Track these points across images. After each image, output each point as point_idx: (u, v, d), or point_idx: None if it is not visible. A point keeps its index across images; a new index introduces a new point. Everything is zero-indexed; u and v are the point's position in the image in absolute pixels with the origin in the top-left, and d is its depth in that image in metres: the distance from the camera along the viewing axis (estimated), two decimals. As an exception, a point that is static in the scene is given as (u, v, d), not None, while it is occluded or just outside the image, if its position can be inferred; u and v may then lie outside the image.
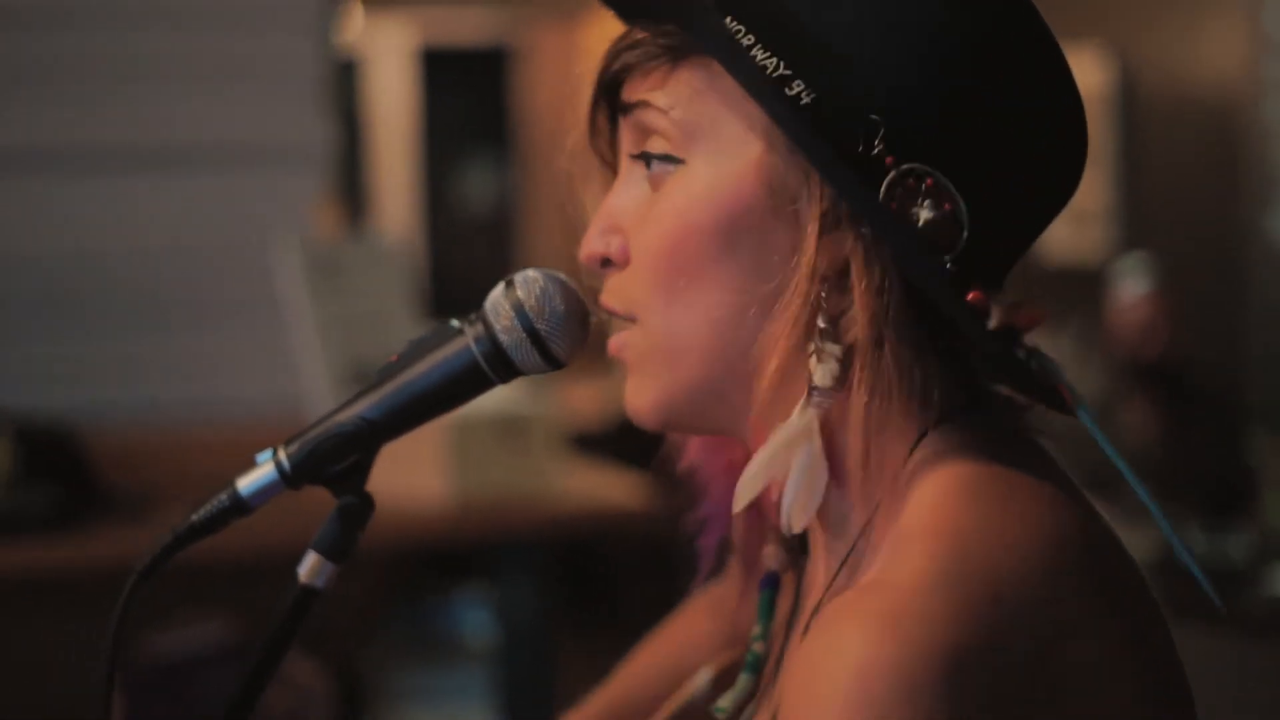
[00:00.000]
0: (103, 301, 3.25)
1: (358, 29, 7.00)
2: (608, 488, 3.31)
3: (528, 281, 1.10)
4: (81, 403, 3.14)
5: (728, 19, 1.00)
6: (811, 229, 0.98)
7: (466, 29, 7.89)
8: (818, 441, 0.99)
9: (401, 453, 3.09)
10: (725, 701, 1.18)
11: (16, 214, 3.21)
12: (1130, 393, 5.43)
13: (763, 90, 0.96)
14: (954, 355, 1.01)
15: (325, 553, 1.12)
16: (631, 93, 1.06)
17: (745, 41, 0.99)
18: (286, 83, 3.34)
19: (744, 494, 1.02)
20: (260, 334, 3.27)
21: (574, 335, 1.09)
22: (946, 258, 0.97)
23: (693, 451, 1.20)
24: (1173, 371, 5.38)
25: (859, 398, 0.97)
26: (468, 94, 8.06)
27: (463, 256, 7.71)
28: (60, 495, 2.83)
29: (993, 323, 0.96)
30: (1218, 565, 4.44)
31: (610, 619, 5.24)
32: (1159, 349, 5.32)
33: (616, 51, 1.07)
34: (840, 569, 1.02)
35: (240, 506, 1.12)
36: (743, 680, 1.18)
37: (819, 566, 1.08)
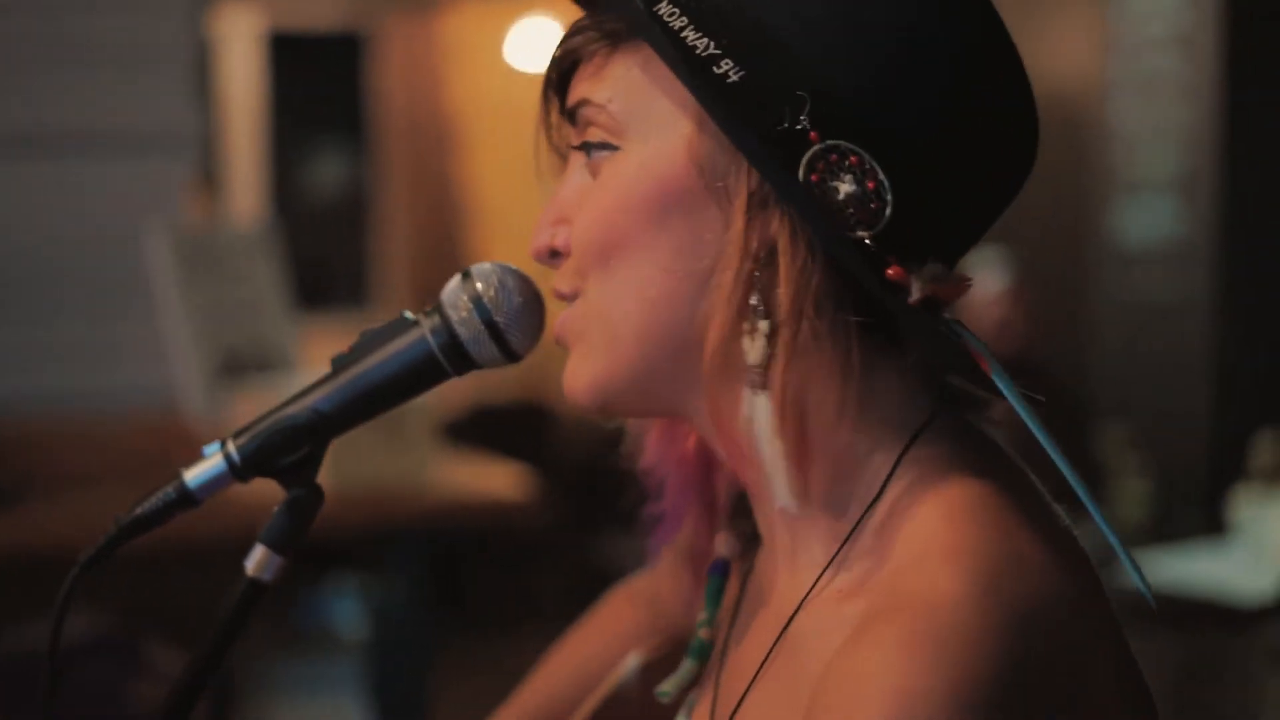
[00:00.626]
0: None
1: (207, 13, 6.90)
2: (481, 478, 3.30)
3: (484, 273, 1.09)
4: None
5: (661, 2, 1.01)
6: (740, 206, 0.99)
7: (317, 15, 7.80)
8: (767, 422, 1.00)
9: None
10: (669, 685, 1.19)
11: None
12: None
13: (686, 67, 0.97)
14: (918, 356, 1.03)
15: (273, 545, 1.12)
16: (574, 90, 1.07)
17: (677, 24, 0.99)
18: (157, 67, 3.28)
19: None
20: (135, 322, 3.21)
21: (531, 328, 1.09)
22: (866, 233, 0.97)
23: (650, 448, 1.20)
24: (1027, 366, 5.49)
25: (776, 371, 0.98)
26: (319, 80, 7.98)
27: (314, 244, 7.62)
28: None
29: (913, 296, 0.97)
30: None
31: (484, 609, 5.23)
32: (1015, 344, 5.41)
33: (563, 42, 1.08)
34: (824, 571, 1.03)
35: (187, 499, 1.11)
36: (687, 665, 1.19)
37: (777, 557, 1.09)
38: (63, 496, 2.80)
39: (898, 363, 1.03)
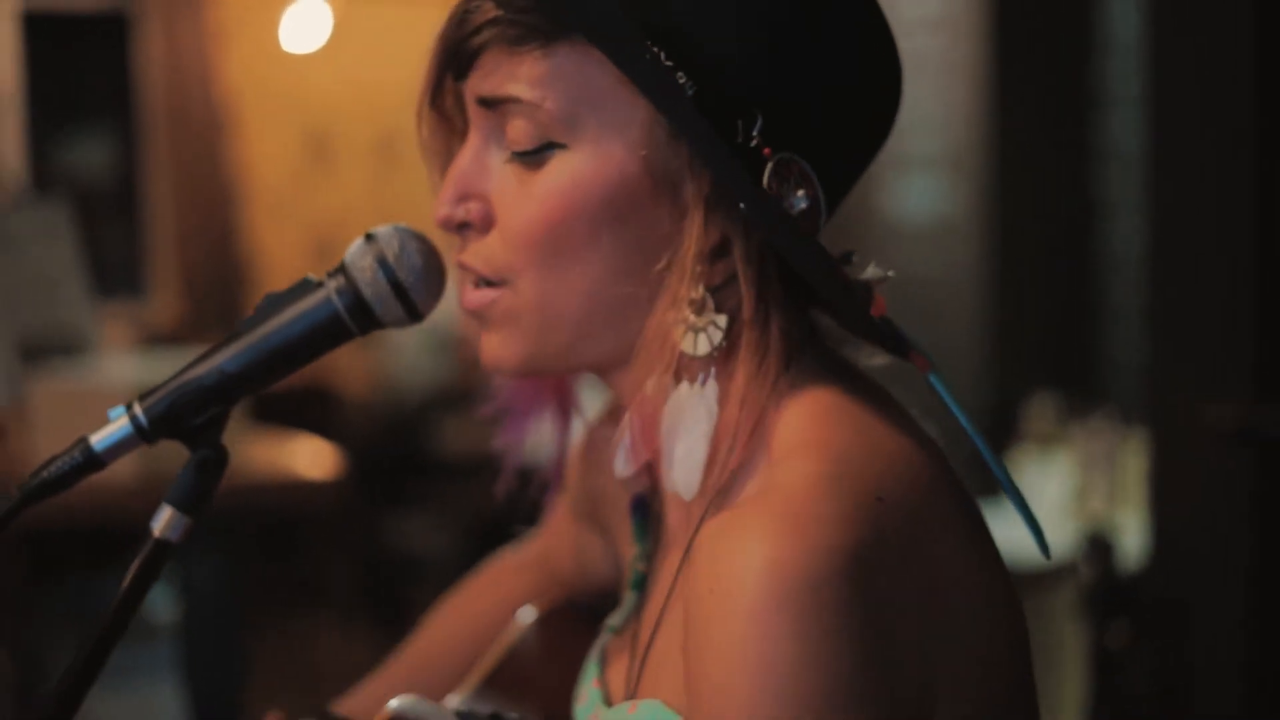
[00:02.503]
0: None
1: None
2: (290, 456, 3.29)
3: (387, 236, 1.12)
4: None
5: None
6: (696, 213, 1.03)
7: (77, -6, 7.62)
8: (716, 413, 1.05)
9: (77, 421, 3.00)
10: (615, 619, 1.24)
11: None
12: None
13: (651, 79, 1.01)
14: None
15: (180, 506, 1.13)
16: (492, 80, 1.08)
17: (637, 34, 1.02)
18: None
19: (629, 462, 1.08)
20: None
21: (434, 288, 1.13)
22: (814, 235, 1.04)
23: (511, 391, 1.25)
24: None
25: (746, 368, 1.04)
26: (80, 62, 7.79)
27: (80, 231, 7.45)
28: None
29: (872, 305, 1.05)
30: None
31: (297, 589, 5.18)
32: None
33: (470, 23, 1.08)
34: (715, 495, 1.07)
35: (94, 462, 1.12)
36: (630, 597, 1.24)
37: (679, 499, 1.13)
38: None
39: (784, 309, 1.08)
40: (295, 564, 5.16)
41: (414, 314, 1.12)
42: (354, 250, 1.12)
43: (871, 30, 1.08)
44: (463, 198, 1.11)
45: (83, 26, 7.69)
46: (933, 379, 1.05)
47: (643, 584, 1.24)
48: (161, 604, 3.22)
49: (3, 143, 7.38)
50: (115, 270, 7.37)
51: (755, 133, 1.02)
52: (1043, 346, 5.25)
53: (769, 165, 1.02)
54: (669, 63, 1.01)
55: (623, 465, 1.08)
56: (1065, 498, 4.33)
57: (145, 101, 7.63)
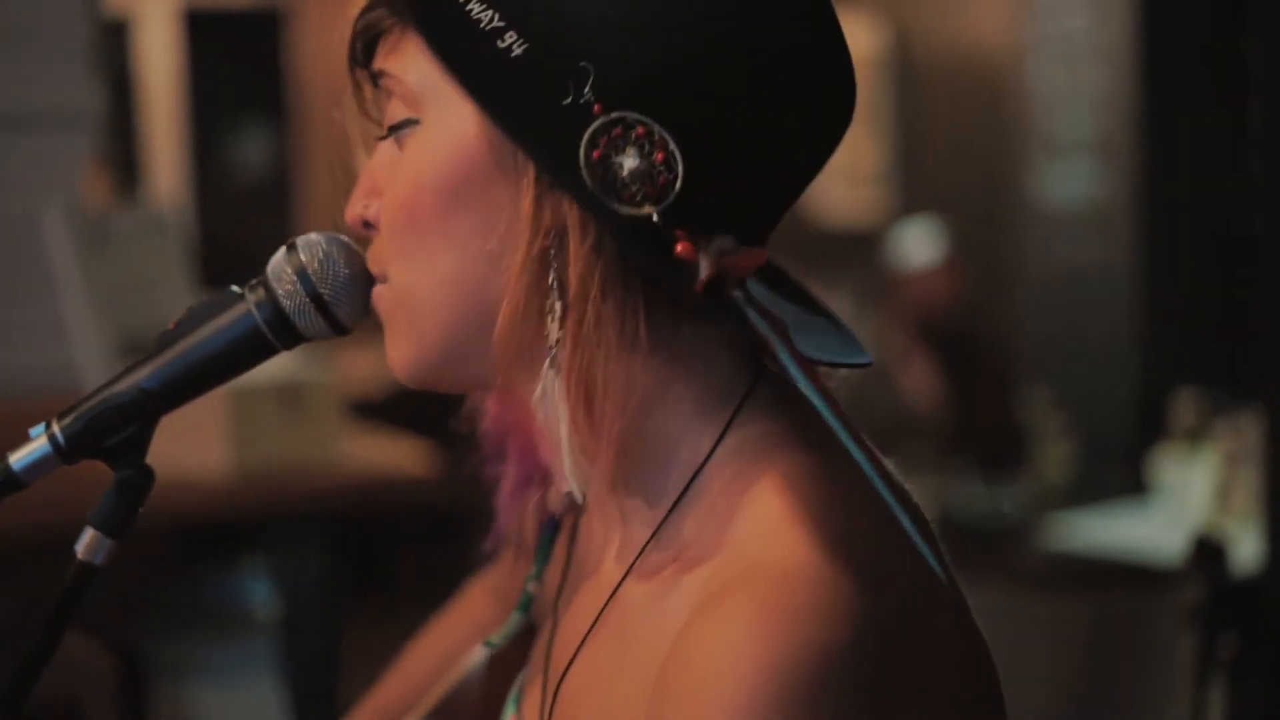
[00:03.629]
0: None
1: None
2: (389, 456, 3.28)
3: (310, 245, 1.08)
4: None
5: None
6: (527, 184, 0.97)
7: (237, -9, 7.74)
8: (561, 403, 0.98)
9: (178, 422, 3.01)
10: (496, 637, 1.20)
11: None
12: (910, 353, 5.54)
13: (446, 51, 0.96)
14: (735, 322, 1.01)
15: (103, 528, 1.09)
16: (376, 59, 1.05)
17: None
18: (52, 45, 3.23)
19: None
20: (37, 304, 3.16)
21: (358, 299, 1.08)
22: (653, 208, 0.95)
23: (489, 411, 1.19)
24: (955, 333, 5.50)
25: (563, 354, 0.97)
26: (238, 57, 7.90)
27: (235, 223, 7.56)
28: None
29: (704, 272, 0.94)
30: (995, 519, 4.55)
31: (394, 588, 5.20)
32: (945, 312, 5.42)
33: (360, 13, 1.05)
34: (650, 540, 1.02)
35: (13, 482, 1.08)
36: (514, 618, 1.20)
37: (597, 525, 1.08)
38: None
39: (716, 333, 1.01)
40: (393, 562, 5.17)
41: (337, 327, 1.08)
42: (275, 260, 1.08)
43: (781, 3, 0.98)
44: (367, 195, 1.06)
45: (240, 23, 7.81)
46: (783, 357, 0.95)
47: (528, 606, 1.19)
48: (260, 601, 3.22)
49: (163, 139, 7.51)
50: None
51: (587, 90, 0.94)
52: (1191, 338, 5.08)
53: (594, 124, 0.94)
54: (500, 23, 0.95)
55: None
56: (1209, 495, 4.17)
57: (300, 97, 7.72)
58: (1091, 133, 5.37)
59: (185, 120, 7.61)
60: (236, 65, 7.90)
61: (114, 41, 6.88)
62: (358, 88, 1.09)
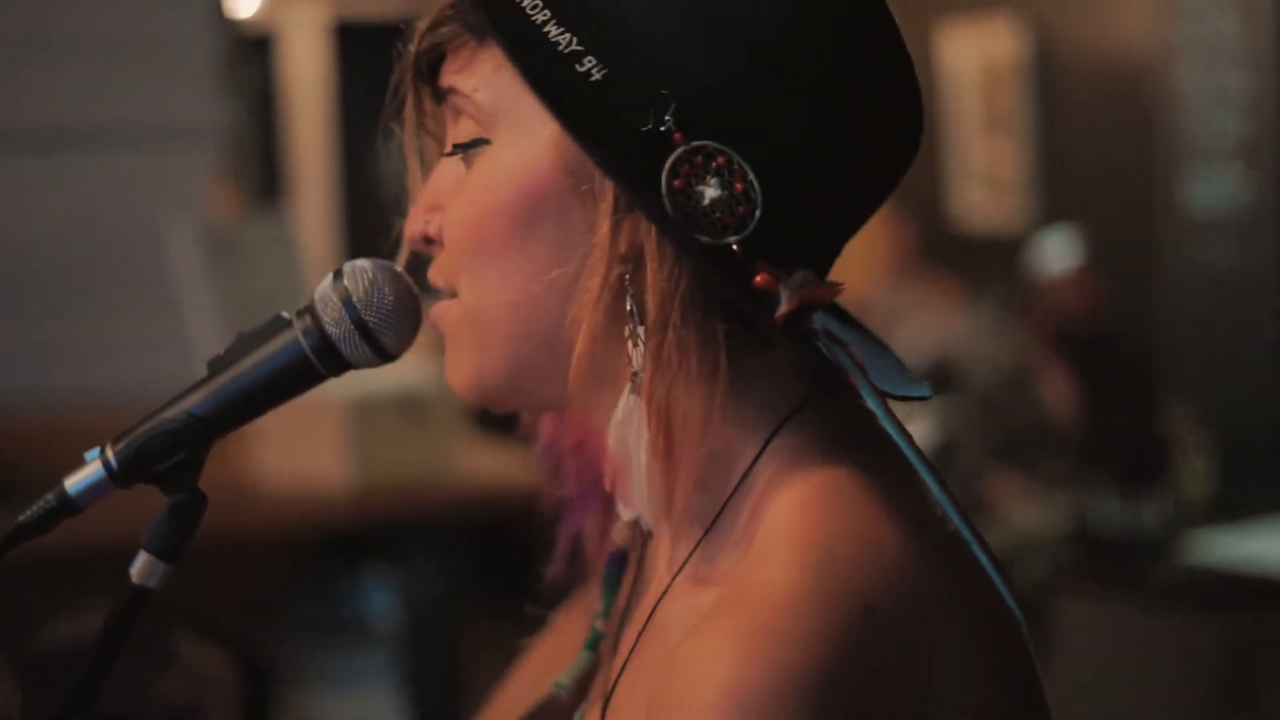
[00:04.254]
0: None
1: (267, 4, 6.92)
2: (512, 465, 3.29)
3: (356, 272, 1.07)
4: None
5: None
6: (605, 209, 0.96)
7: (381, 3, 7.81)
8: (641, 429, 0.97)
9: (301, 433, 3.05)
10: (564, 677, 1.18)
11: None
12: (1048, 363, 5.46)
13: (537, 70, 0.95)
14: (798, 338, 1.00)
15: (156, 552, 1.10)
16: (444, 76, 1.04)
17: (539, 17, 0.96)
18: (179, 61, 3.29)
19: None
20: (157, 317, 3.22)
21: (404, 327, 1.07)
22: (734, 238, 0.94)
23: (545, 431, 1.18)
24: (1094, 343, 5.41)
25: (644, 380, 0.96)
26: (385, 70, 7.96)
27: (382, 236, 7.62)
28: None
29: (785, 304, 0.93)
30: (1133, 533, 4.46)
31: (516, 598, 5.22)
32: (1083, 321, 5.33)
33: (427, 29, 1.05)
34: (687, 560, 1.01)
35: (68, 506, 1.10)
36: (582, 657, 1.18)
37: (661, 551, 1.07)
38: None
39: (771, 354, 1.00)
40: (514, 572, 5.16)
41: (384, 355, 1.07)
42: (322, 288, 1.08)
43: (847, 12, 0.98)
44: (428, 210, 1.06)
45: (387, 35, 7.87)
46: (862, 387, 0.94)
47: (596, 644, 1.17)
48: (382, 611, 3.25)
49: (308, 153, 7.61)
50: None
51: (668, 118, 0.93)
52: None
53: (675, 153, 0.93)
54: (579, 46, 0.95)
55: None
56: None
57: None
58: (1238, 137, 5.25)
59: (331, 133, 7.70)
60: (385, 78, 7.97)
61: (258, 55, 6.99)
62: (419, 102, 1.09)
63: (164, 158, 3.26)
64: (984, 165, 6.85)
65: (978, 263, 6.53)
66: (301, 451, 2.86)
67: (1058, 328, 5.49)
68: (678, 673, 0.88)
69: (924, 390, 1.08)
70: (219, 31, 3.40)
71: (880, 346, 1.11)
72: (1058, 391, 5.37)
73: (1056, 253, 5.69)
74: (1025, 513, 4.70)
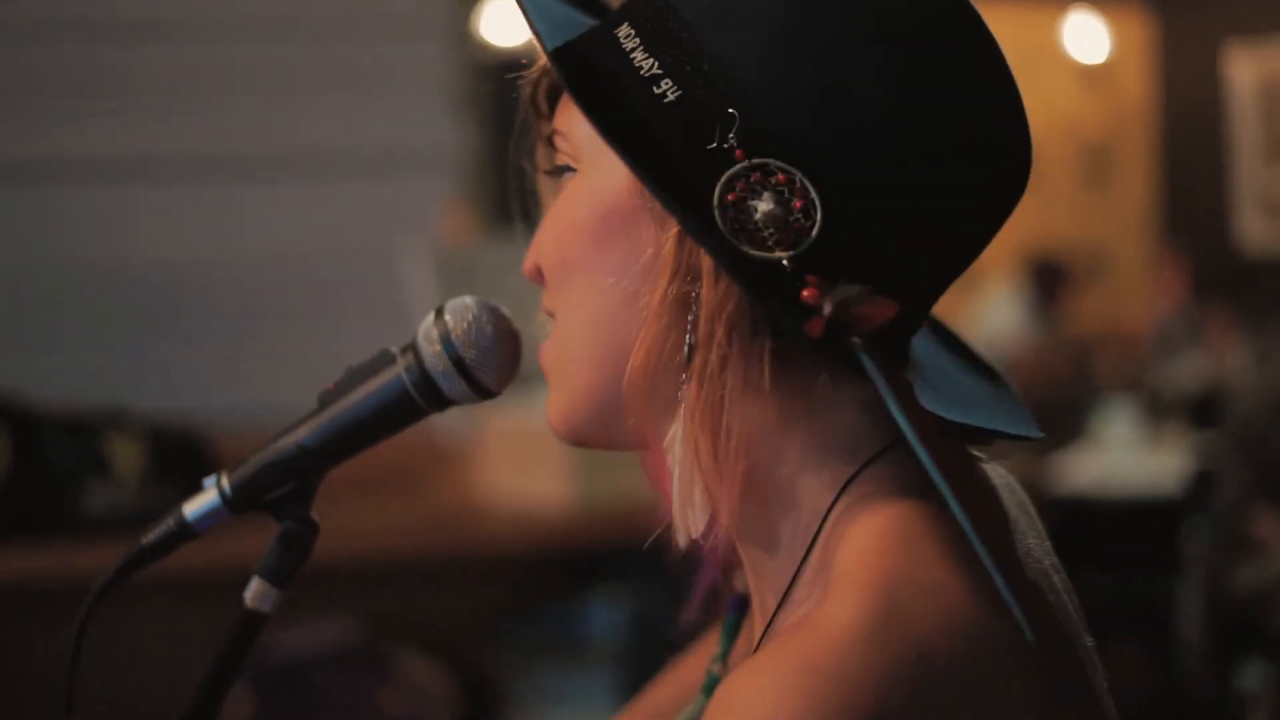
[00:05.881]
0: (231, 307, 3.32)
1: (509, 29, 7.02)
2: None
3: (458, 310, 1.10)
4: (211, 406, 3.21)
5: (624, 24, 1.01)
6: (671, 225, 0.97)
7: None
8: (685, 444, 0.97)
9: (527, 454, 3.09)
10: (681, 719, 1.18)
11: (155, 220, 3.30)
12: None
13: (592, 107, 0.96)
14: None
15: (269, 578, 1.13)
16: (556, 119, 1.07)
17: (629, 44, 0.99)
18: (415, 88, 3.37)
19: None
20: (389, 339, 3.31)
21: (503, 364, 1.09)
22: (785, 253, 0.93)
23: (649, 474, 1.19)
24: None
25: (687, 392, 0.96)
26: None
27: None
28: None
29: (821, 316, 0.92)
30: None
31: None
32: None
33: (540, 73, 1.09)
34: (777, 611, 1.00)
35: (186, 530, 1.14)
36: (698, 701, 1.18)
37: (754, 596, 1.07)
38: (324, 507, 2.90)
39: (856, 390, 0.98)
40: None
41: (482, 391, 1.09)
42: (424, 324, 1.11)
43: (937, 34, 0.97)
44: (538, 244, 1.08)
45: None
46: (891, 408, 0.91)
47: (712, 690, 1.17)
48: (606, 631, 3.28)
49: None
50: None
51: (731, 136, 0.94)
52: None
53: (732, 169, 0.94)
54: (659, 70, 0.97)
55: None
56: None
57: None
58: None
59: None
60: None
61: (498, 80, 7.11)
62: (543, 141, 1.12)
63: (399, 182, 3.35)
64: (1259, 190, 6.61)
65: (1265, 289, 6.31)
66: (525, 474, 2.90)
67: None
68: (722, 697, 0.88)
69: (1034, 430, 1.06)
70: (457, 57, 3.48)
71: (988, 378, 1.09)
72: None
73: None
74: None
